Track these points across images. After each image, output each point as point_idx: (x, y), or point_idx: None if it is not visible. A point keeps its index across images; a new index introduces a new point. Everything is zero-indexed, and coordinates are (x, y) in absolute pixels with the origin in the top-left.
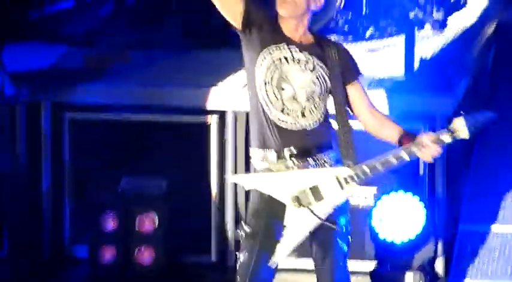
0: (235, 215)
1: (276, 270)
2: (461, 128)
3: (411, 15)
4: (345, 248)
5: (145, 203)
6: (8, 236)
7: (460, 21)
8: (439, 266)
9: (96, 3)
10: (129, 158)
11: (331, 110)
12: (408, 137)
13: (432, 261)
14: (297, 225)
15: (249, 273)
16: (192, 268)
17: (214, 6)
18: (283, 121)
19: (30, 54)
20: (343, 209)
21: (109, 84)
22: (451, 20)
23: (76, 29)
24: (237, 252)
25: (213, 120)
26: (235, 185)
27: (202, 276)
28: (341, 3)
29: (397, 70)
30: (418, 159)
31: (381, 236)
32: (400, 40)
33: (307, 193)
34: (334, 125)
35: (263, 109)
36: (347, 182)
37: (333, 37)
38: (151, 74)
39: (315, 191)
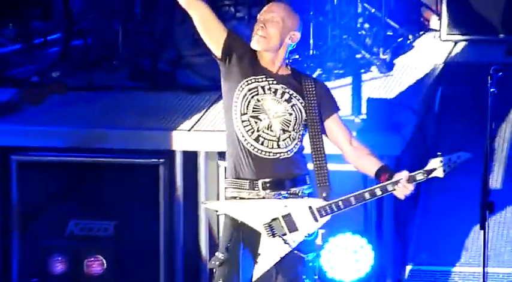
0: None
1: None
2: (437, 168)
3: (358, 56)
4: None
5: (93, 245)
6: None
7: (407, 62)
8: None
9: (45, 45)
10: (76, 200)
11: (307, 142)
12: (385, 172)
13: None
14: (270, 253)
15: None
16: None
17: (162, 48)
18: (258, 150)
19: None
20: (313, 245)
21: (55, 127)
22: (398, 61)
23: (24, 72)
24: None
25: (161, 162)
26: (186, 226)
27: None
28: None
29: (345, 111)
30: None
31: (329, 276)
32: (347, 81)
33: (280, 222)
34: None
35: (238, 138)
36: (321, 213)
37: None
38: (97, 115)
39: (288, 220)
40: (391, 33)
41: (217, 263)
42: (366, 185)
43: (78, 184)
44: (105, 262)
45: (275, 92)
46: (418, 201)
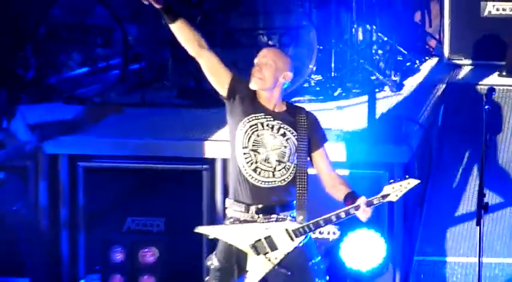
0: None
1: None
2: (391, 193)
3: (373, 78)
4: (322, 270)
5: (147, 239)
6: (30, 269)
7: (415, 83)
8: None
9: (106, 68)
10: (133, 201)
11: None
12: (350, 198)
13: None
14: (256, 270)
15: None
16: None
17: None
18: (255, 179)
19: (49, 112)
20: (314, 250)
21: (116, 138)
22: (407, 82)
23: (88, 91)
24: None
25: (204, 168)
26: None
27: None
28: (313, 67)
29: (361, 125)
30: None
31: (348, 266)
32: (363, 99)
33: (263, 242)
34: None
35: (239, 167)
36: (296, 234)
37: (307, 96)
38: (150, 128)
39: (269, 240)
40: (401, 58)
41: (213, 265)
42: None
43: (134, 187)
44: (157, 252)
45: (272, 127)
46: (424, 202)
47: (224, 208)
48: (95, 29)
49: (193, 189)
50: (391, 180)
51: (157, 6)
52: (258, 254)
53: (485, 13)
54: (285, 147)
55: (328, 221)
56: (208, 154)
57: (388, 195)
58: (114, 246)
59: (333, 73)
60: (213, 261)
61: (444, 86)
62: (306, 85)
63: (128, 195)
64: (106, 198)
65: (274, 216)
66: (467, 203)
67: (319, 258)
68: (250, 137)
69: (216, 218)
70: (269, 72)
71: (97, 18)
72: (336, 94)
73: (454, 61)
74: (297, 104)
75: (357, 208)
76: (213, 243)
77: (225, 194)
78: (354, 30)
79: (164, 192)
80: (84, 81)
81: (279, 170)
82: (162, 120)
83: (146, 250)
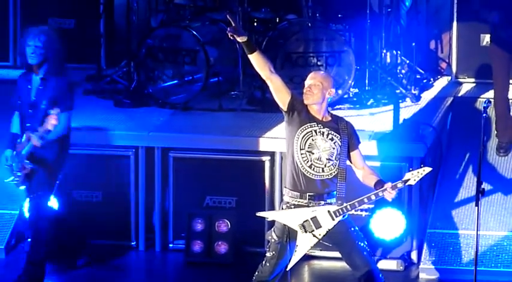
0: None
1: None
2: (410, 178)
3: (397, 91)
4: (361, 235)
5: (221, 213)
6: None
7: (430, 96)
8: (414, 256)
9: (192, 81)
10: (211, 183)
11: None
12: (379, 184)
13: (409, 252)
14: (304, 244)
15: (272, 264)
16: (252, 255)
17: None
18: (310, 173)
19: (147, 115)
20: (352, 223)
21: (198, 135)
22: (423, 95)
23: (177, 99)
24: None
25: (266, 159)
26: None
27: (257, 262)
28: (352, 83)
29: (388, 127)
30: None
31: (376, 236)
32: (390, 108)
33: (309, 222)
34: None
35: (297, 164)
36: (336, 214)
37: (346, 105)
38: (225, 127)
39: (314, 220)
40: (419, 77)
41: (272, 239)
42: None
43: (212, 173)
44: (229, 224)
45: (322, 134)
46: (435, 187)
47: (281, 194)
48: (184, 51)
49: (258, 175)
50: (410, 168)
51: (242, 40)
52: (306, 231)
53: (484, 43)
54: (333, 148)
55: (361, 203)
56: (269, 148)
57: (408, 180)
58: (196, 218)
59: (367, 87)
60: (272, 236)
61: (452, 98)
62: (346, 96)
63: (208, 179)
64: (191, 182)
65: (322, 201)
66: (469, 189)
67: (357, 228)
68: (306, 141)
69: (274, 198)
70: (318, 91)
71: (185, 43)
72: (369, 103)
73: (459, 79)
74: (337, 114)
75: (384, 191)
76: (272, 220)
77: (281, 179)
78: (383, 54)
79: (235, 177)
80: (174, 91)
81: (328, 166)
82: (235, 121)
83: (221, 222)
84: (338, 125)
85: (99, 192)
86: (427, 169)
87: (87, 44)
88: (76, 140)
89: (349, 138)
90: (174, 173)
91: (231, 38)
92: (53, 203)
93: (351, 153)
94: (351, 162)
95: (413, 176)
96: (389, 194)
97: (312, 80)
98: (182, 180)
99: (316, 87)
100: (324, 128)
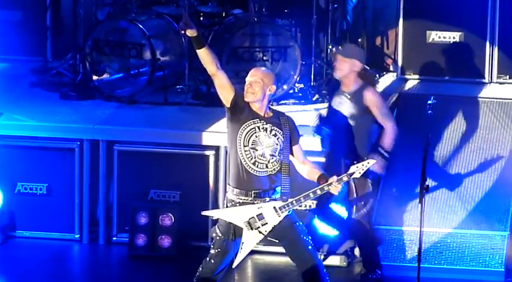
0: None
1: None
2: (355, 171)
3: None
4: (305, 230)
5: (165, 207)
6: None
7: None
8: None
9: (137, 75)
10: (156, 177)
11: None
12: (322, 178)
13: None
14: (250, 241)
15: (216, 261)
16: (195, 249)
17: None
18: (254, 170)
19: (92, 108)
20: (296, 218)
21: (143, 128)
22: None
23: (123, 92)
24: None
25: (210, 153)
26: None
27: (201, 256)
28: (297, 78)
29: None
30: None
31: (320, 231)
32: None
33: (255, 219)
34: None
35: (240, 161)
36: (281, 210)
37: (291, 100)
38: (170, 121)
39: (260, 217)
40: None
41: (216, 236)
42: None
43: (157, 166)
44: (173, 218)
45: (266, 129)
46: (380, 183)
47: (225, 191)
48: (130, 45)
49: (202, 169)
50: (355, 162)
51: (192, 34)
52: (251, 228)
53: (430, 40)
54: (277, 144)
55: (307, 197)
56: (214, 142)
57: (353, 173)
58: (140, 212)
59: (312, 83)
60: (217, 233)
61: (397, 95)
62: (291, 91)
63: (152, 173)
64: (135, 175)
65: (267, 198)
66: (413, 185)
67: (301, 223)
68: (250, 137)
69: (218, 192)
70: (259, 88)
71: (131, 36)
72: (314, 99)
73: (405, 76)
74: (277, 109)
75: (330, 185)
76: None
77: (226, 174)
78: (328, 50)
79: (180, 171)
80: (119, 85)
81: (271, 162)
82: (180, 115)
83: (164, 215)
84: (280, 120)
85: (44, 184)
86: (371, 161)
87: (33, 36)
88: (21, 132)
89: (291, 133)
90: (118, 166)
91: (182, 32)
92: None
93: (293, 148)
94: (293, 155)
95: (358, 169)
96: (335, 187)
97: (253, 77)
98: (127, 173)
99: (257, 84)
100: (266, 124)
